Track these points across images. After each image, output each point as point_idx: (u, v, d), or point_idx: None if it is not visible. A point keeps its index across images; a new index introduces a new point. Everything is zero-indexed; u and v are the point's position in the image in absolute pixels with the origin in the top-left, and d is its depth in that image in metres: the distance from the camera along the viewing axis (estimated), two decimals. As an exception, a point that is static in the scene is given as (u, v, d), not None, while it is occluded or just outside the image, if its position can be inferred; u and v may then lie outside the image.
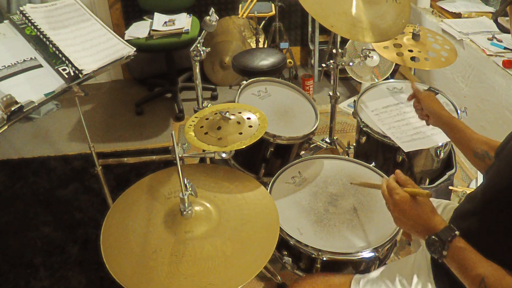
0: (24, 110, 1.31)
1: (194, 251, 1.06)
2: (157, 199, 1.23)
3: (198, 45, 1.70)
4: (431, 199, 1.42)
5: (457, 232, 0.91)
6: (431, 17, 2.89)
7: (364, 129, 1.73)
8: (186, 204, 1.10)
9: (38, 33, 1.47)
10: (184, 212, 1.10)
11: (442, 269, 1.01)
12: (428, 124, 1.39)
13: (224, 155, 1.30)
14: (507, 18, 0.88)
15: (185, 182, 1.08)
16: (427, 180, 1.79)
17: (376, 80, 2.79)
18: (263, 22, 3.31)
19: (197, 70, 1.77)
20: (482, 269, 0.86)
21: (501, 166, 0.94)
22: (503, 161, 0.95)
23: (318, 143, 1.98)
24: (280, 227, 1.21)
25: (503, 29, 0.91)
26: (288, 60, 3.15)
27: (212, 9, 1.63)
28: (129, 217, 1.18)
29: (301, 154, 1.80)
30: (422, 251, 1.18)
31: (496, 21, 0.90)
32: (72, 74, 1.44)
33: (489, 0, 2.87)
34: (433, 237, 0.93)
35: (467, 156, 1.23)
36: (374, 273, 1.21)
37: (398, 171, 1.08)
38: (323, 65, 2.13)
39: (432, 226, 0.95)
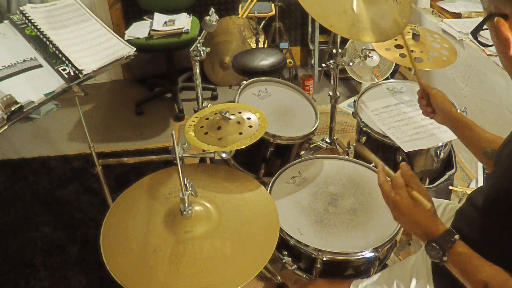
0: (24, 110, 1.31)
1: (194, 251, 1.06)
2: (157, 199, 1.23)
3: (198, 45, 1.70)
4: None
5: (456, 236, 0.89)
6: (431, 17, 2.89)
7: (364, 129, 1.73)
8: (186, 204, 1.10)
9: (38, 33, 1.47)
10: (184, 212, 1.10)
11: (442, 272, 1.00)
12: (431, 118, 1.35)
13: (224, 155, 1.30)
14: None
15: (185, 182, 1.08)
16: (427, 180, 1.79)
17: (376, 80, 2.78)
18: (263, 22, 3.31)
19: (197, 70, 1.77)
20: (484, 273, 0.85)
21: (499, 173, 0.93)
22: (501, 168, 0.93)
23: (318, 143, 1.98)
24: (280, 227, 1.21)
25: (484, 45, 0.90)
26: (288, 60, 3.15)
27: (212, 9, 1.63)
28: (129, 217, 1.18)
29: (301, 154, 1.80)
30: (422, 253, 1.17)
31: (476, 38, 0.88)
32: (72, 74, 1.44)
33: (489, 0, 2.87)
34: (433, 243, 0.91)
35: (476, 154, 1.20)
36: (373, 278, 1.21)
37: (403, 164, 1.02)
38: (323, 65, 2.13)
39: (431, 231, 0.93)
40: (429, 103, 1.33)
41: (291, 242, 1.27)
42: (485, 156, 1.17)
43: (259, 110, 1.47)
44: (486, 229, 0.94)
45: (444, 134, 1.64)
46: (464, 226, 1.01)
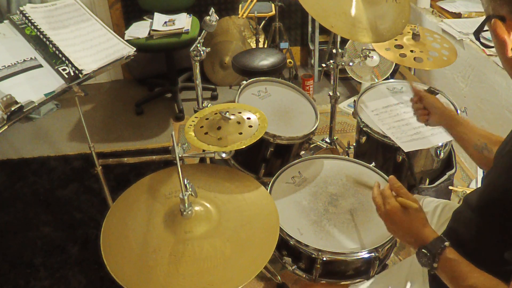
0: (24, 110, 1.31)
1: (194, 251, 1.06)
2: (157, 199, 1.23)
3: (198, 45, 1.70)
4: (430, 198, 1.43)
5: (446, 243, 0.90)
6: (431, 17, 2.89)
7: (364, 129, 1.73)
8: (186, 204, 1.10)
9: (38, 33, 1.47)
10: (184, 213, 1.10)
11: (438, 276, 1.00)
12: (427, 125, 1.38)
13: (224, 155, 1.30)
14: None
15: (185, 183, 1.08)
16: (427, 180, 1.79)
17: (376, 80, 2.78)
18: (263, 22, 3.31)
19: (197, 70, 1.77)
20: (473, 280, 0.85)
21: (496, 173, 0.93)
22: (498, 169, 0.93)
23: (318, 143, 1.98)
24: (280, 227, 1.21)
25: (486, 46, 0.91)
26: (288, 60, 3.15)
27: (212, 9, 1.63)
28: (129, 217, 1.18)
29: (301, 154, 1.80)
30: None
31: (478, 39, 0.89)
32: (72, 74, 1.44)
33: (489, 0, 2.86)
34: (423, 250, 0.92)
35: (468, 150, 1.22)
36: (367, 283, 1.21)
37: (392, 177, 1.07)
38: (323, 65, 2.12)
39: (422, 238, 0.94)
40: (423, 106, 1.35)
41: (291, 242, 1.27)
42: (475, 149, 1.18)
43: (259, 110, 1.47)
44: (482, 230, 0.94)
45: (444, 134, 1.63)
46: (461, 227, 1.02)
